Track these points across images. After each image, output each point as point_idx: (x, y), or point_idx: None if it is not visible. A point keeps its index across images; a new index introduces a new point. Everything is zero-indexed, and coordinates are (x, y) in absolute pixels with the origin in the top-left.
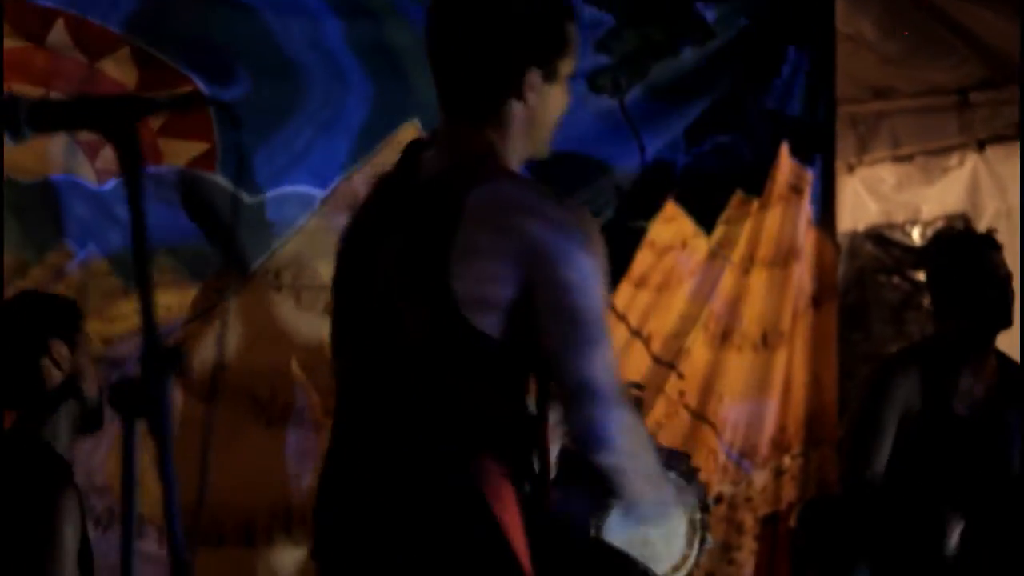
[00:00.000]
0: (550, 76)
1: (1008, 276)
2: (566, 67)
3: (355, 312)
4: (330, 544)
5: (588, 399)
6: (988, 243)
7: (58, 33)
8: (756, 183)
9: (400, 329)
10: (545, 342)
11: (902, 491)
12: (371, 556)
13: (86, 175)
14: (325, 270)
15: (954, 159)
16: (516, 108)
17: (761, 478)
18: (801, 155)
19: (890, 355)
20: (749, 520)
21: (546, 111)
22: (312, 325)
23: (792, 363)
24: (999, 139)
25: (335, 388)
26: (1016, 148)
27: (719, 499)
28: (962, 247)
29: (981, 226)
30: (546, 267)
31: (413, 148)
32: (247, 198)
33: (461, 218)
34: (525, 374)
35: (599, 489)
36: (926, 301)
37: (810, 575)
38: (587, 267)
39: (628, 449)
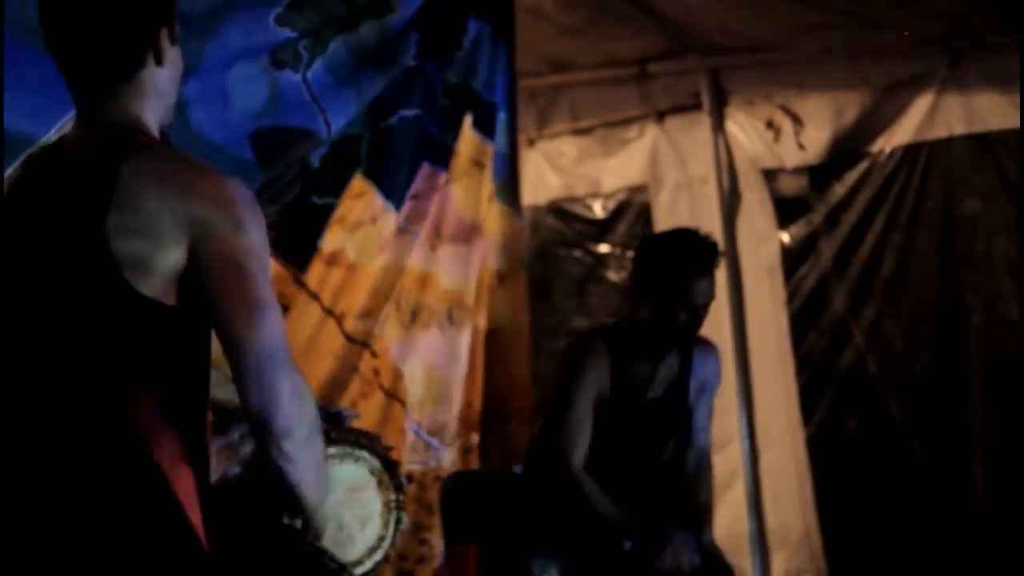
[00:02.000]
0: (174, 38)
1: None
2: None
3: (8, 294)
4: None
5: (264, 364)
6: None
7: None
8: (443, 157)
9: (60, 305)
10: (216, 311)
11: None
12: (38, 536)
13: None
14: None
15: (634, 131)
16: (152, 73)
17: (450, 455)
18: (482, 129)
19: (582, 335)
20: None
21: (175, 73)
22: None
23: (476, 340)
24: (679, 110)
25: None
26: (696, 118)
27: (409, 478)
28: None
29: (661, 197)
30: (211, 238)
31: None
32: None
33: (116, 190)
34: (198, 343)
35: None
36: (609, 274)
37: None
38: (250, 234)
39: (298, 416)
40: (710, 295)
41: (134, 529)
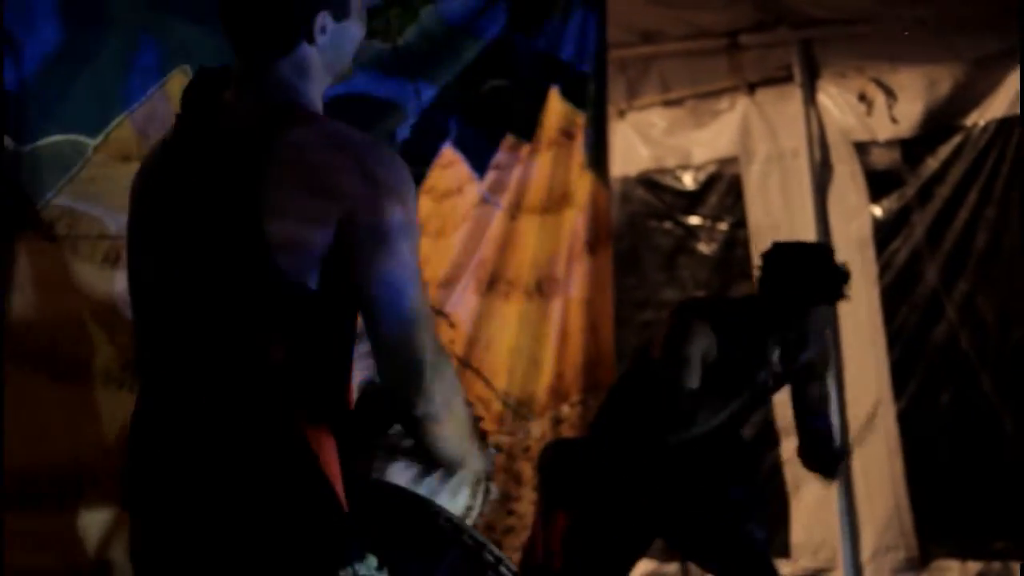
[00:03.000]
0: (340, 14)
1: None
2: (357, 2)
3: (158, 265)
4: (150, 502)
5: (407, 346)
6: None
7: None
8: (527, 128)
9: (209, 281)
10: (365, 291)
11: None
12: (197, 508)
13: None
14: (102, 219)
15: (724, 102)
16: (310, 51)
17: (539, 427)
18: (573, 99)
19: (689, 301)
20: (528, 470)
21: (339, 49)
22: (95, 276)
23: (568, 310)
24: (769, 82)
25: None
26: (787, 91)
27: (497, 449)
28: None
29: (752, 169)
30: (361, 215)
31: (205, 88)
32: (17, 147)
33: (272, 163)
34: (340, 325)
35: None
36: (699, 246)
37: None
38: (399, 215)
39: (443, 399)
40: (829, 319)
41: (286, 499)
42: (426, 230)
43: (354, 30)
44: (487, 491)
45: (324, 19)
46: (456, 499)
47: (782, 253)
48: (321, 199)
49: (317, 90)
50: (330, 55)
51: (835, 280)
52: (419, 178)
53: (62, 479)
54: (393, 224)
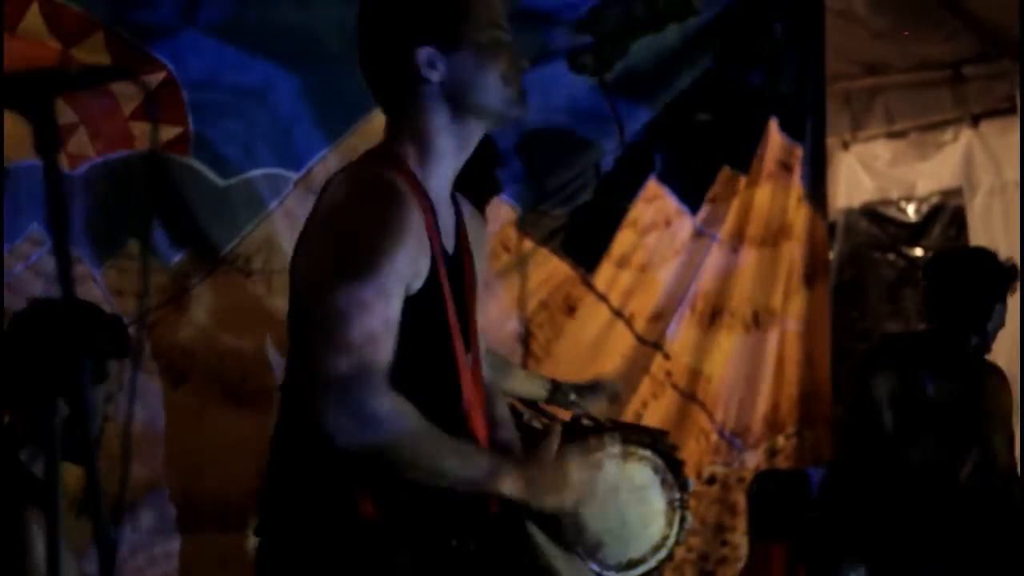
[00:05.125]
0: (452, 44)
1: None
2: (475, 30)
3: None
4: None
5: (311, 358)
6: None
7: (32, 18)
8: (743, 160)
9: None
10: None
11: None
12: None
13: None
14: None
15: (948, 134)
16: (420, 89)
17: (754, 458)
18: (791, 131)
19: (872, 346)
20: (743, 501)
21: (468, 78)
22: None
23: (784, 342)
24: (993, 113)
25: None
26: (1011, 122)
27: (712, 480)
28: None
29: (976, 201)
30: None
31: None
32: (219, 181)
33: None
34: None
35: None
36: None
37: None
38: (325, 260)
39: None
40: (1001, 320)
41: None
42: (628, 263)
43: (478, 59)
44: (683, 520)
45: (429, 54)
46: (649, 528)
47: (938, 259)
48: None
49: (433, 128)
50: (449, 88)
51: (1004, 276)
52: (622, 211)
53: (241, 500)
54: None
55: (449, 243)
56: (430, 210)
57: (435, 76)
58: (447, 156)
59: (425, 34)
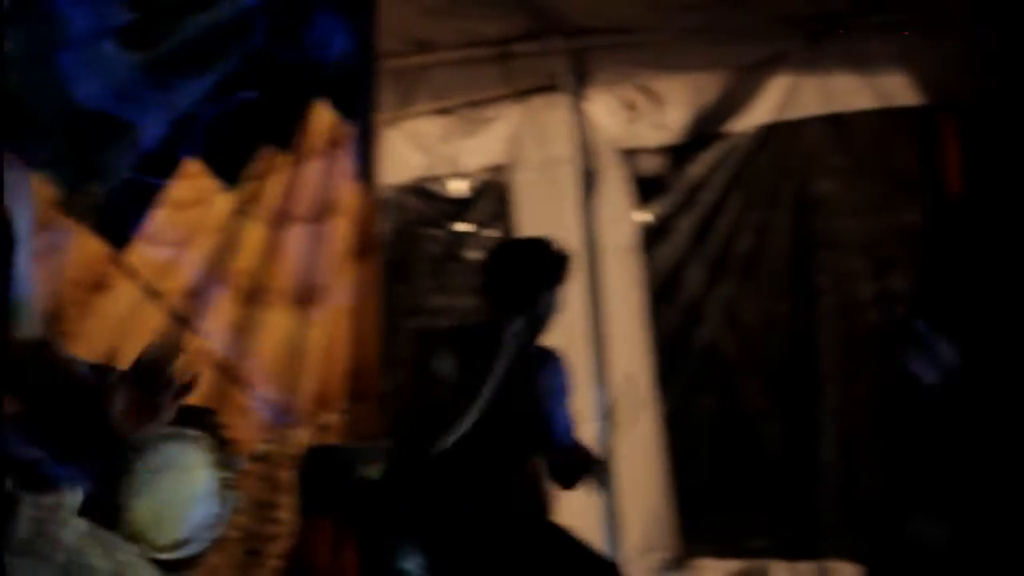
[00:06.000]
0: None
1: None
2: None
3: None
4: None
5: None
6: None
7: None
8: (287, 138)
9: None
10: None
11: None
12: None
13: None
14: None
15: (495, 111)
16: None
17: (304, 434)
18: (341, 109)
19: (426, 335)
20: (292, 477)
21: None
22: None
23: (334, 318)
24: (540, 90)
25: None
26: (557, 99)
27: (260, 457)
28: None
29: (522, 177)
30: None
31: None
32: None
33: None
34: None
35: None
36: (468, 253)
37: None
38: None
39: None
40: (553, 307)
41: None
42: (164, 240)
43: None
44: (230, 499)
45: None
46: (197, 508)
47: (498, 248)
48: None
49: None
50: None
51: (556, 263)
52: (160, 189)
53: None
54: None
55: None
56: None
57: None
58: None
59: None
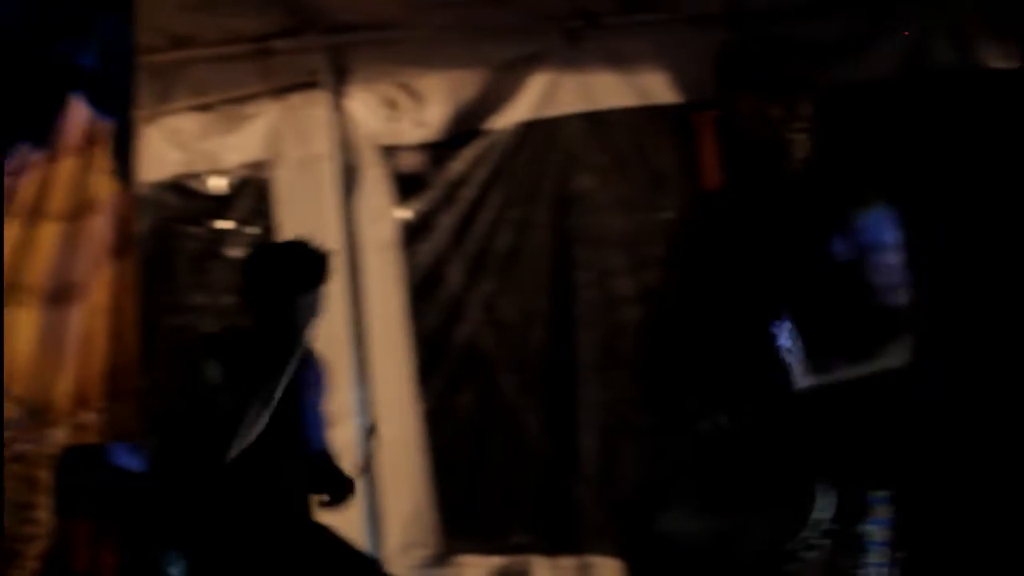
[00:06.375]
0: None
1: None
2: None
3: None
4: None
5: None
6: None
7: None
8: (42, 135)
9: None
10: None
11: None
12: None
13: None
14: None
15: (254, 107)
16: None
17: (61, 434)
18: (98, 106)
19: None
20: (48, 477)
21: None
22: None
23: (91, 316)
24: (299, 87)
25: None
26: (316, 96)
27: (16, 458)
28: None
29: (281, 174)
30: None
31: None
32: None
33: None
34: None
35: None
36: (228, 250)
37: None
38: None
39: None
40: (315, 308)
41: None
42: None
43: None
44: None
45: None
46: None
47: (260, 252)
48: None
49: None
50: None
51: (314, 264)
52: None
53: None
54: None
55: None
56: None
57: None
58: None
59: None
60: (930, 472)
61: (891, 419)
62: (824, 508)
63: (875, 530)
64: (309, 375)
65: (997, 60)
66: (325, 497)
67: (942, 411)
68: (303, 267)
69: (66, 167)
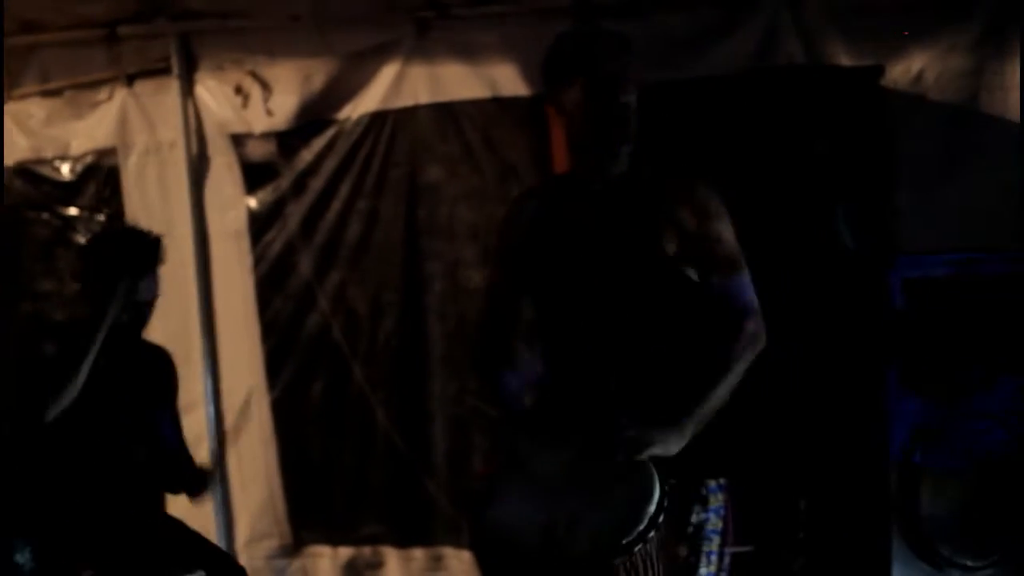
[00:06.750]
0: None
1: None
2: None
3: None
4: None
5: None
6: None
7: None
8: None
9: None
10: None
11: None
12: None
13: None
14: None
15: (103, 93)
16: None
17: None
18: None
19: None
20: None
21: None
22: None
23: None
24: (148, 73)
25: None
26: (165, 83)
27: None
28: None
29: (130, 161)
30: None
31: None
32: None
33: None
34: None
35: None
36: (77, 237)
37: None
38: None
39: None
40: (152, 293)
41: None
42: None
43: None
44: None
45: None
46: None
47: (94, 239)
48: None
49: None
50: None
51: (144, 251)
52: None
53: None
54: None
55: None
56: None
57: None
58: None
59: None
60: (764, 460)
61: (725, 407)
62: (658, 498)
63: (710, 519)
64: (155, 373)
65: (844, 57)
66: (179, 492)
67: (775, 399)
68: (132, 254)
69: None
